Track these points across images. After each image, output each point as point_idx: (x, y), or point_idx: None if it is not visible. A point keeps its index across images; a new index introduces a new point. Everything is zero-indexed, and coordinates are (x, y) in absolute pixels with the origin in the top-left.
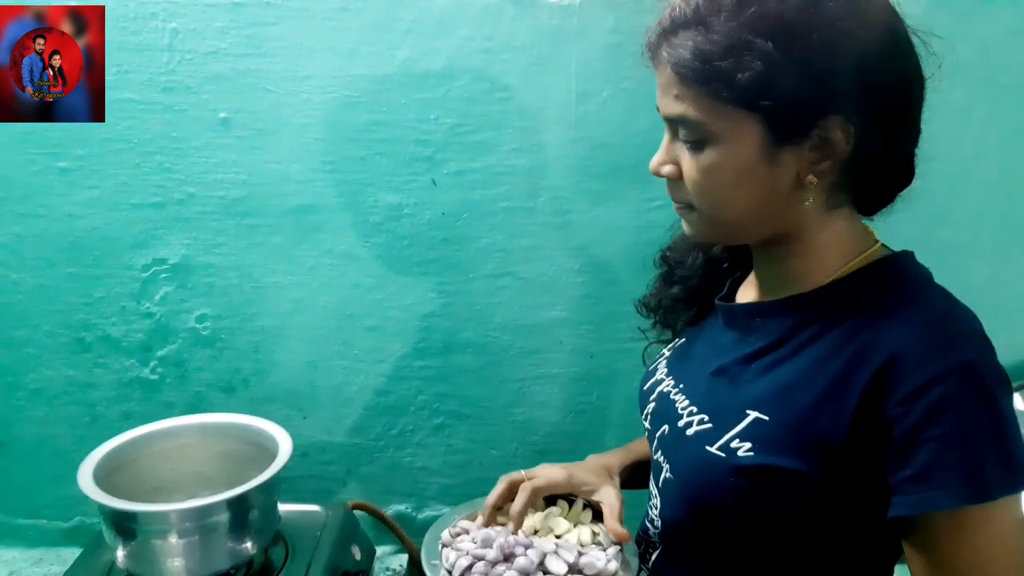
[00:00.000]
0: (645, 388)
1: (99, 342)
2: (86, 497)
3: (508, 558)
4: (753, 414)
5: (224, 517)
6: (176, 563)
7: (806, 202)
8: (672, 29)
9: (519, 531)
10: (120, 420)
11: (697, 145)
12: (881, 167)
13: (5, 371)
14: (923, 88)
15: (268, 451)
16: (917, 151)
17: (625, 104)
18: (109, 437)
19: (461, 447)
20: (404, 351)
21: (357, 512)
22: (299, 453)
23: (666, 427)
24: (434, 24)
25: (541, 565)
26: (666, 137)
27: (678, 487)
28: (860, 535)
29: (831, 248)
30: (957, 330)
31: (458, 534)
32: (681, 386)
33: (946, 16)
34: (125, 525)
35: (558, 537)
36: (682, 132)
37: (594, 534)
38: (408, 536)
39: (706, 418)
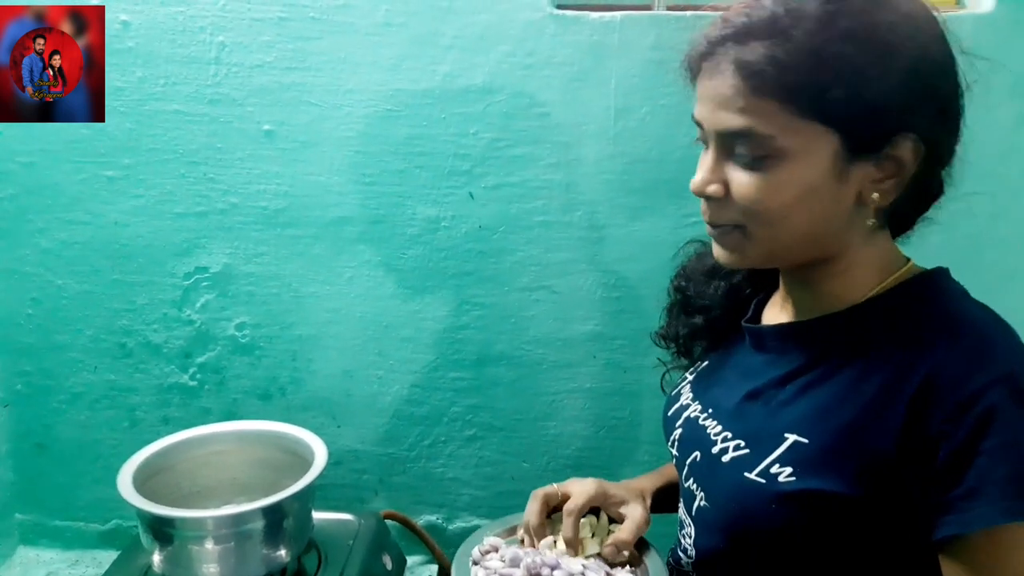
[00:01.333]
0: (669, 414)
1: (140, 348)
2: (124, 501)
3: None
4: (792, 437)
5: (260, 524)
6: (211, 569)
7: (868, 221)
8: (739, 37)
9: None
10: (159, 425)
11: (759, 161)
12: (930, 184)
13: (47, 375)
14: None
15: (303, 459)
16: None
17: (664, 120)
18: (148, 442)
19: (493, 459)
20: (438, 362)
21: (388, 522)
22: (333, 461)
23: (697, 454)
24: (476, 39)
25: None
26: (711, 154)
27: (716, 514)
28: (902, 557)
29: (868, 268)
30: (996, 342)
31: (487, 552)
32: (710, 411)
33: (995, 35)
34: (162, 530)
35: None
36: (741, 147)
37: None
38: (439, 547)
39: (742, 443)
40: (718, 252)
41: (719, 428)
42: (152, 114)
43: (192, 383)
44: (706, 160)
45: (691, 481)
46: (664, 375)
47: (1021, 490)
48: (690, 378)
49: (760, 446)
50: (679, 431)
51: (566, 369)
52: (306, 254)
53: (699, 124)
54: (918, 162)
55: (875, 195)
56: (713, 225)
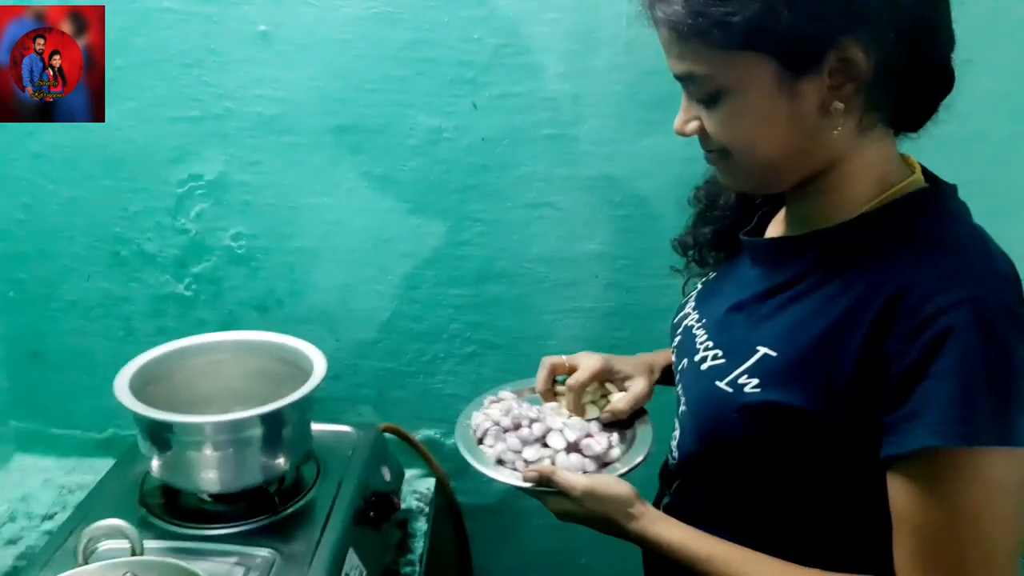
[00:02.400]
0: (675, 322)
1: (135, 257)
2: (120, 408)
3: (516, 427)
4: (762, 350)
5: (258, 432)
6: (210, 475)
7: (835, 131)
8: None
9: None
10: (155, 335)
11: (711, 99)
12: (913, 80)
13: (41, 282)
14: None
15: (302, 370)
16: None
17: None
18: (143, 351)
19: (491, 376)
20: (438, 278)
21: (387, 435)
22: (331, 375)
23: (686, 361)
24: None
25: (543, 438)
26: (684, 95)
27: (691, 420)
28: (861, 473)
29: (863, 179)
30: (972, 264)
31: (495, 401)
32: (703, 320)
33: None
34: (161, 435)
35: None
36: (693, 89)
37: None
38: (436, 461)
39: (720, 353)
40: (720, 177)
41: (705, 337)
42: (144, 12)
43: (188, 293)
44: (684, 100)
45: (679, 386)
46: (685, 283)
47: (960, 415)
48: (700, 287)
49: (734, 357)
50: (679, 338)
51: (568, 288)
52: (304, 163)
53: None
54: (873, 61)
55: (837, 103)
56: (706, 153)
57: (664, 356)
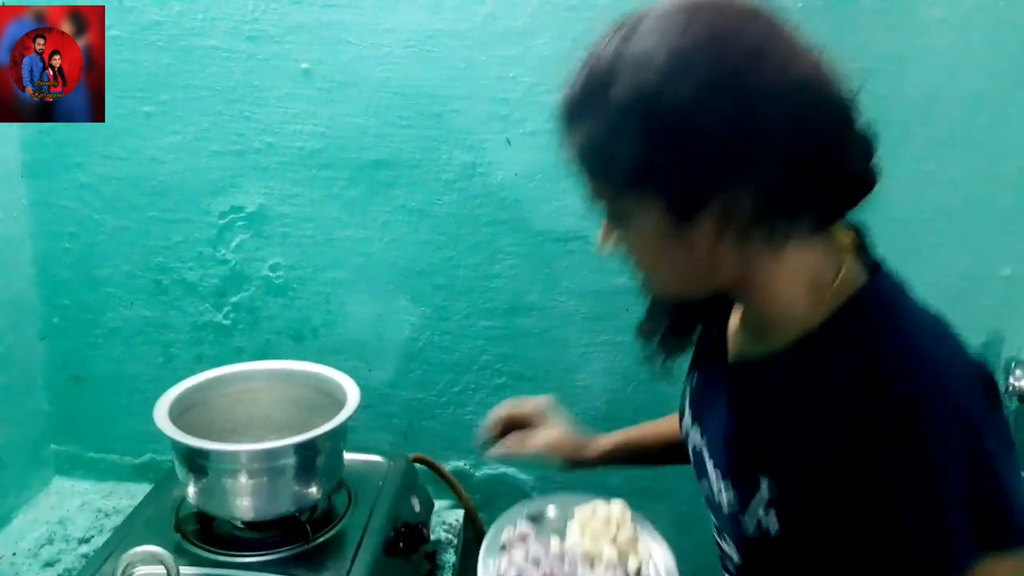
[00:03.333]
0: (682, 428)
1: (176, 285)
2: (158, 434)
3: None
4: (765, 481)
5: (292, 461)
6: (244, 503)
7: (732, 261)
8: (566, 118)
9: (576, 550)
10: (193, 362)
11: (614, 223)
12: (819, 197)
13: (85, 309)
14: (844, 111)
15: (336, 399)
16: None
17: None
18: (182, 378)
19: None
20: (470, 310)
21: (417, 465)
22: (363, 404)
23: (705, 482)
24: None
25: None
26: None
27: (729, 536)
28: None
29: (791, 288)
30: (931, 382)
31: (516, 540)
32: (706, 441)
33: None
34: (197, 462)
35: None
36: (601, 210)
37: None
38: (465, 492)
39: (729, 484)
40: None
41: (712, 464)
42: (189, 49)
43: (226, 322)
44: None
45: (705, 504)
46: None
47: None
48: (689, 387)
49: (741, 489)
50: (691, 453)
51: (598, 321)
52: (341, 197)
53: None
54: (755, 204)
55: (724, 243)
56: None
57: (621, 434)
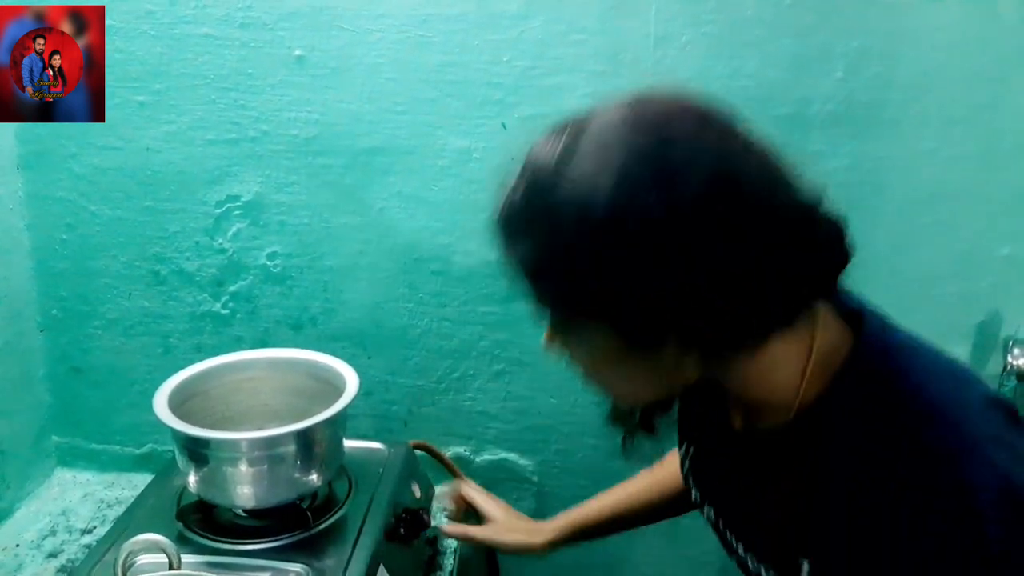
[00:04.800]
0: (693, 499)
1: (173, 275)
2: (158, 424)
3: None
4: (806, 564)
5: (292, 448)
6: (245, 491)
7: (700, 367)
8: (504, 230)
9: None
10: (192, 352)
11: (561, 338)
12: (783, 300)
13: (83, 300)
14: (807, 212)
15: (335, 387)
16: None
17: (705, 49)
18: (181, 368)
19: (520, 394)
20: (468, 296)
21: (417, 452)
22: (363, 392)
23: (736, 558)
24: None
25: None
26: None
27: None
28: None
29: (780, 368)
30: (954, 438)
31: None
32: (725, 516)
33: None
34: (198, 451)
35: None
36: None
37: None
38: (466, 478)
39: (770, 566)
40: None
41: (743, 547)
42: (182, 38)
43: (224, 311)
44: None
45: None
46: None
47: None
48: (685, 461)
49: (783, 570)
50: (712, 529)
51: None
52: (337, 184)
53: None
54: (717, 329)
55: (685, 361)
56: None
57: (566, 517)
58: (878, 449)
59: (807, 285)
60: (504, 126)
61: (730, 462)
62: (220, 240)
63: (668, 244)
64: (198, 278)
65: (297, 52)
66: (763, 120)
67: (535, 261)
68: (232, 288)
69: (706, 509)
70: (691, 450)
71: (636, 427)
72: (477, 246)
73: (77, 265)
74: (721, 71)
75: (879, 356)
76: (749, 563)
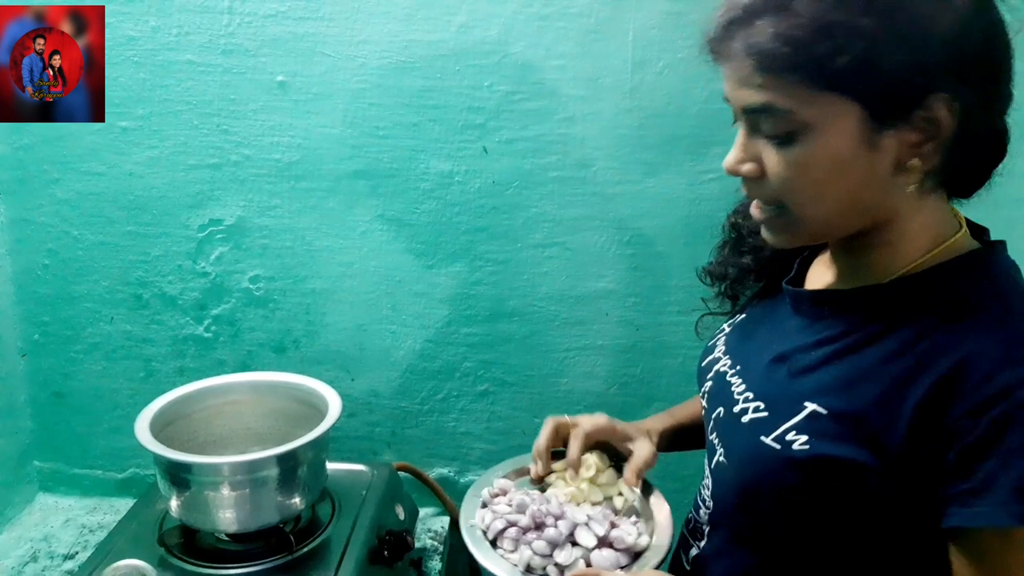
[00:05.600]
0: (703, 365)
1: (156, 299)
2: (141, 449)
3: (539, 526)
4: (811, 406)
5: (274, 472)
6: (227, 515)
7: (908, 188)
8: (745, 18)
9: (558, 495)
10: (174, 376)
11: (786, 138)
12: (981, 143)
13: (65, 324)
14: (1012, 53)
15: (318, 410)
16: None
17: (682, 74)
18: (163, 392)
19: (504, 414)
20: (451, 317)
21: (401, 473)
22: (346, 414)
23: (721, 409)
24: None
25: (571, 536)
26: (742, 132)
27: (731, 472)
28: (907, 532)
29: (916, 237)
30: None
31: (496, 495)
32: (738, 368)
33: None
34: (180, 476)
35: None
36: (766, 125)
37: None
38: (450, 499)
39: (762, 406)
40: (766, 235)
41: (743, 387)
42: (165, 64)
43: (207, 335)
44: (738, 138)
45: (714, 435)
46: (700, 319)
47: None
48: (727, 329)
49: (779, 411)
50: (709, 383)
51: (578, 326)
52: (319, 207)
53: (728, 102)
54: (957, 120)
55: (915, 160)
56: (755, 204)
57: (661, 421)
58: (957, 327)
59: (994, 153)
60: (485, 150)
61: (784, 318)
62: (203, 264)
63: (941, 10)
64: (180, 302)
65: (279, 78)
66: None
67: (792, 33)
68: (215, 311)
69: (717, 365)
70: (744, 319)
71: (725, 291)
72: (460, 268)
73: (59, 290)
74: (698, 95)
75: (993, 261)
76: (739, 403)
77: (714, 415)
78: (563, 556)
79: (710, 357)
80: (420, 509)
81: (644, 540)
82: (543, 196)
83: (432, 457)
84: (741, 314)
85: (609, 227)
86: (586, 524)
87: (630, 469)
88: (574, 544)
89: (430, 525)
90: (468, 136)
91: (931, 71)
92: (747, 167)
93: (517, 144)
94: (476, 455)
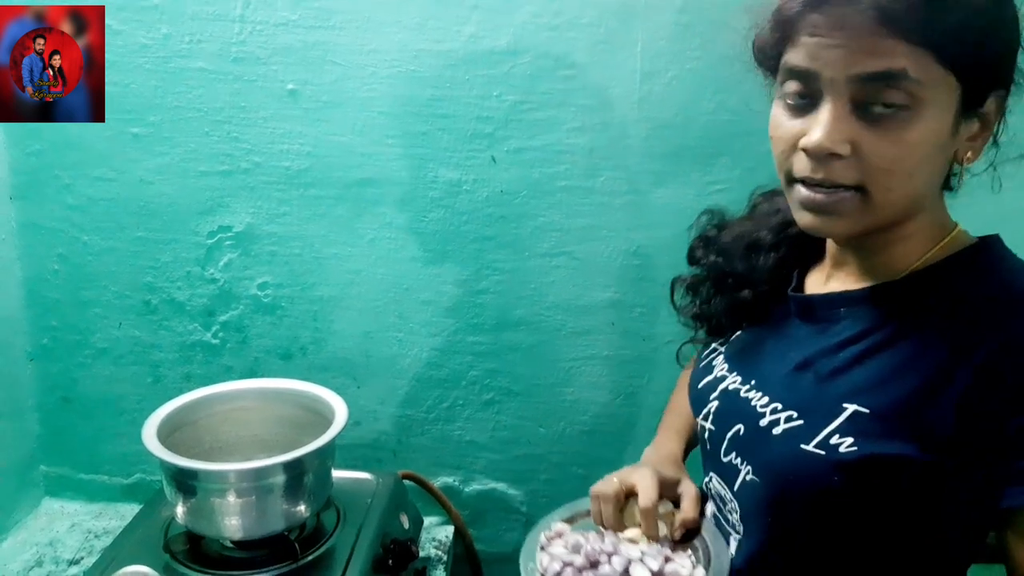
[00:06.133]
0: (700, 387)
1: (164, 305)
2: (147, 454)
3: (594, 564)
4: (851, 407)
5: (280, 479)
6: (233, 522)
7: (954, 183)
8: None
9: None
10: (182, 382)
11: (896, 114)
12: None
13: (73, 330)
14: None
15: (324, 417)
16: None
17: (691, 84)
18: (171, 398)
19: (509, 423)
20: (457, 326)
21: (406, 482)
22: (352, 422)
23: (740, 427)
24: (501, 0)
25: (626, 572)
26: (835, 107)
27: (767, 489)
28: (955, 526)
29: (925, 232)
30: None
31: (552, 538)
32: (753, 382)
33: None
34: (186, 482)
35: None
36: (885, 95)
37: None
38: (455, 508)
39: (795, 415)
40: (815, 221)
41: (766, 399)
42: (177, 71)
43: (215, 341)
44: (826, 115)
45: (733, 455)
46: (680, 347)
47: None
48: (722, 350)
49: (815, 416)
50: (715, 403)
51: (584, 336)
52: (328, 215)
53: (808, 75)
54: (1001, 116)
55: (969, 153)
56: (826, 187)
57: (674, 444)
58: (989, 314)
59: None
60: (494, 159)
61: (792, 330)
62: (211, 270)
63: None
64: (189, 308)
65: (290, 86)
66: (747, 154)
67: (932, 3)
68: (223, 318)
69: (724, 384)
70: (741, 338)
71: (713, 330)
72: (467, 276)
73: (68, 295)
74: (706, 106)
75: (1006, 250)
76: (765, 416)
77: (730, 434)
78: None
79: (709, 377)
80: (425, 518)
81: (700, 572)
82: (551, 206)
83: (437, 466)
84: (735, 333)
85: (616, 237)
86: (640, 559)
87: (687, 511)
88: None
89: (435, 534)
90: (477, 145)
91: (1008, 63)
92: (845, 147)
93: (525, 153)
94: (481, 464)
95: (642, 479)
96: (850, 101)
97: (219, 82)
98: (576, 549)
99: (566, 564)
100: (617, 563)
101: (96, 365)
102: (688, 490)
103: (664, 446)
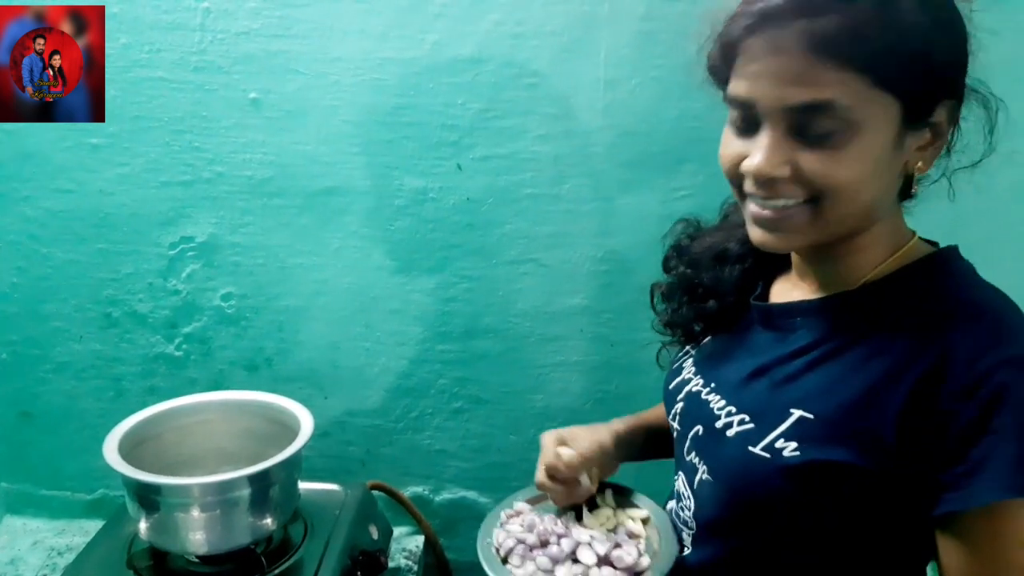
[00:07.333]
0: (670, 388)
1: (126, 318)
2: (110, 469)
3: (544, 544)
4: (797, 413)
5: (245, 492)
6: (197, 536)
7: (912, 191)
8: (806, 9)
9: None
10: (145, 395)
11: (831, 136)
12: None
13: (33, 344)
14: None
15: (290, 429)
16: None
17: (654, 92)
18: (133, 411)
19: (479, 431)
20: (425, 335)
21: (375, 492)
22: (319, 433)
23: (700, 428)
24: (465, 8)
25: (572, 554)
26: (772, 133)
27: (718, 488)
28: (899, 533)
29: (882, 242)
30: (1010, 325)
31: (512, 516)
32: (713, 385)
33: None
34: (149, 497)
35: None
36: (817, 123)
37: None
38: (425, 518)
39: (747, 418)
40: (765, 237)
41: (723, 403)
42: (137, 81)
43: (178, 353)
44: (765, 140)
45: (692, 455)
46: (660, 350)
47: (1021, 469)
48: (693, 353)
49: (765, 421)
50: (680, 405)
51: (553, 342)
52: (292, 224)
53: (747, 104)
54: (954, 126)
55: (919, 163)
56: (773, 205)
57: (625, 421)
58: (934, 324)
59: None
60: (460, 167)
61: (753, 336)
62: (174, 281)
63: (957, 27)
64: (151, 320)
65: (252, 95)
66: (711, 160)
67: (865, 26)
68: (186, 329)
69: (687, 386)
70: (709, 344)
71: (685, 336)
72: (435, 284)
73: (27, 308)
74: (670, 112)
75: (961, 262)
76: (721, 419)
77: (691, 433)
78: (562, 572)
79: (678, 379)
80: (394, 528)
81: (645, 561)
82: (517, 213)
83: (406, 476)
84: (704, 338)
85: (584, 244)
86: (588, 544)
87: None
88: (575, 561)
89: (404, 544)
90: (442, 153)
91: (952, 76)
92: (783, 170)
93: (491, 161)
94: (451, 473)
95: (573, 439)
96: (786, 127)
97: (180, 91)
98: (530, 528)
99: (519, 541)
100: (566, 544)
101: (57, 379)
102: (580, 445)
103: (609, 425)
